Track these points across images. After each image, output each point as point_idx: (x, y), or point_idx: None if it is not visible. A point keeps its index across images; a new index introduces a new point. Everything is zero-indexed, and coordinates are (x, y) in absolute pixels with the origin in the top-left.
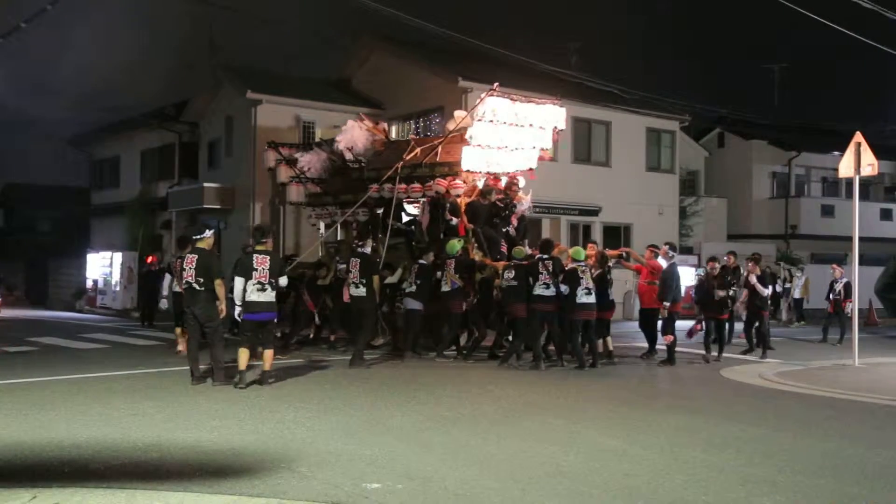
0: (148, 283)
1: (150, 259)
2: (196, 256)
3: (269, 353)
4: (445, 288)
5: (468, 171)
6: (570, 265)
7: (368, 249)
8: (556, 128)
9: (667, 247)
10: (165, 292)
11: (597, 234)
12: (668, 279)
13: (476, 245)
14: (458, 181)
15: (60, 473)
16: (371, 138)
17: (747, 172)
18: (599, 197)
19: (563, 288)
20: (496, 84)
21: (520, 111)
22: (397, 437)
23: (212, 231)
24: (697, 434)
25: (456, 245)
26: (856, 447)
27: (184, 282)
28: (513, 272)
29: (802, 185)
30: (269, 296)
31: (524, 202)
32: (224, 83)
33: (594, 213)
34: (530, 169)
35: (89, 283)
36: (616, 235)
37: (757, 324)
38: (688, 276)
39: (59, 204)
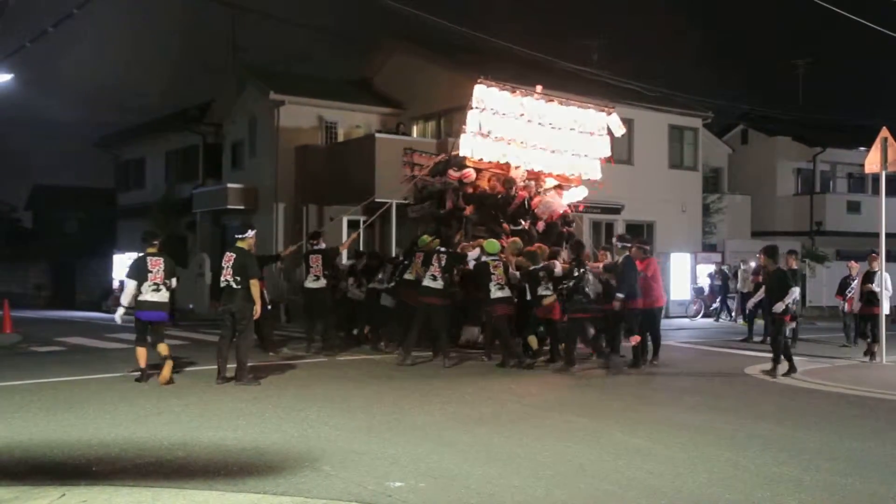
0: None
1: None
2: (234, 255)
3: (163, 347)
4: (409, 276)
5: (471, 158)
6: (483, 259)
7: (323, 245)
8: (612, 135)
9: (615, 239)
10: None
11: (619, 232)
12: (625, 272)
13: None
14: (468, 170)
15: (88, 471)
16: None
17: (771, 169)
18: (622, 195)
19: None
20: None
21: (530, 105)
22: (420, 435)
23: (254, 231)
24: (721, 432)
25: (426, 239)
26: (884, 446)
27: (222, 279)
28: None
29: (828, 181)
30: (164, 296)
31: (550, 205)
32: (247, 84)
33: (617, 210)
34: (587, 178)
35: (115, 284)
36: (639, 233)
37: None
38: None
39: (86, 205)
